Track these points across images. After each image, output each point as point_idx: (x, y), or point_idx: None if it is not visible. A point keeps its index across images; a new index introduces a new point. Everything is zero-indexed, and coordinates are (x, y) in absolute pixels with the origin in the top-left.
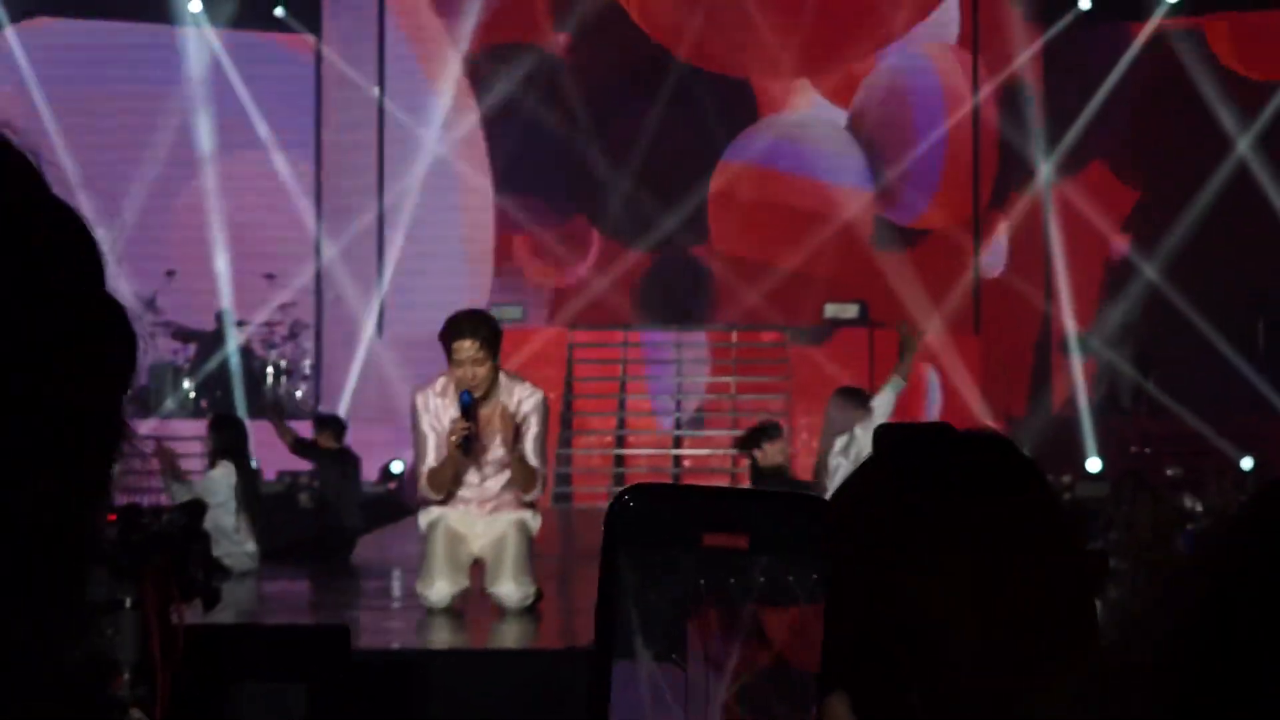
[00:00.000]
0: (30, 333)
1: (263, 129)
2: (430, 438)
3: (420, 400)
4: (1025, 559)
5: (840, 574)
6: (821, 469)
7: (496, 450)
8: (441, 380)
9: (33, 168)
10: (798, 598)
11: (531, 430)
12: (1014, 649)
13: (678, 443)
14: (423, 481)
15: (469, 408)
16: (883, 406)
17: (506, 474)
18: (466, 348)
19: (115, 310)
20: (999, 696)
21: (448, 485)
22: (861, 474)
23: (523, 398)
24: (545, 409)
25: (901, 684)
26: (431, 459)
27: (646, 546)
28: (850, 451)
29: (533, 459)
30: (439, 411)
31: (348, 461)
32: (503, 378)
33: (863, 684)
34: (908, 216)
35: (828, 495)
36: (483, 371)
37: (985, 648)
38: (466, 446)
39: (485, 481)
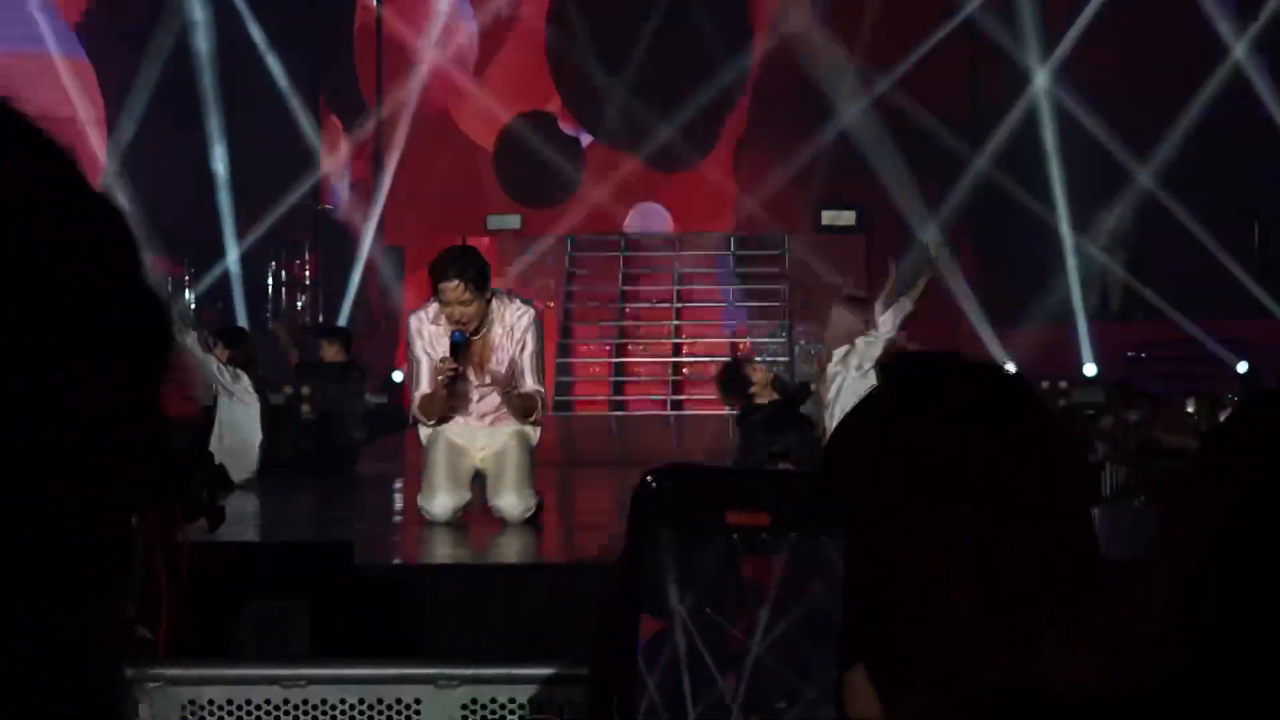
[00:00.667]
0: (60, 329)
1: (257, 33)
2: (424, 362)
3: (415, 324)
4: (1025, 505)
5: (849, 517)
6: (820, 378)
7: (495, 370)
8: (435, 306)
9: (69, 160)
10: (830, 556)
11: (527, 349)
12: (1015, 600)
13: (677, 350)
14: (415, 406)
15: (458, 348)
16: (886, 326)
17: None
18: (451, 289)
19: (150, 301)
20: (1003, 647)
21: (439, 414)
22: (866, 406)
23: (515, 320)
24: (539, 326)
25: (910, 647)
26: (425, 384)
27: (674, 525)
28: (850, 361)
29: (530, 379)
30: (433, 338)
31: (352, 374)
32: (494, 302)
33: (873, 648)
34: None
35: (826, 403)
36: (470, 310)
37: (988, 603)
38: (453, 386)
39: (484, 398)
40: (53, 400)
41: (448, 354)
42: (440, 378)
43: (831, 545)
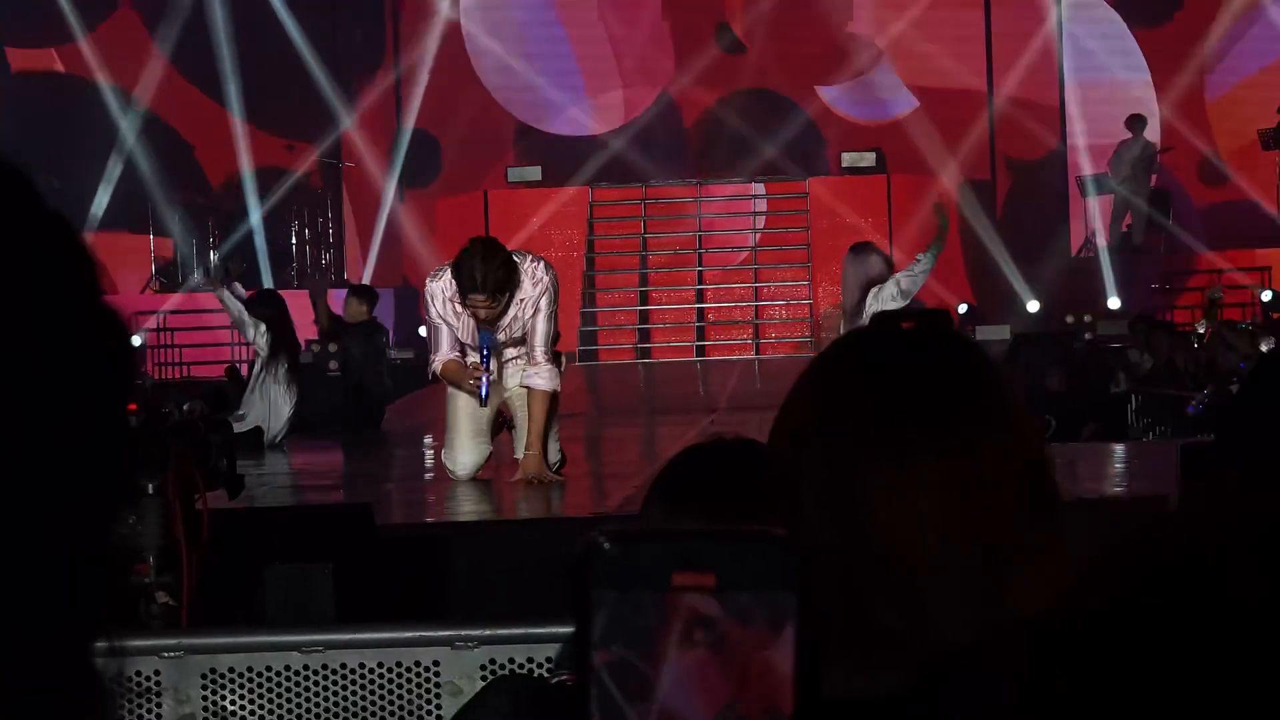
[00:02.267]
0: (33, 362)
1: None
2: (443, 329)
3: (433, 290)
4: (987, 465)
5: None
6: (856, 314)
7: (513, 331)
8: (450, 278)
9: (26, 183)
10: (754, 611)
11: (541, 314)
12: (983, 554)
13: (700, 297)
14: (437, 368)
15: (487, 355)
16: (921, 271)
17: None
18: (477, 301)
19: (111, 319)
20: (978, 603)
21: (458, 386)
22: (844, 354)
23: (530, 290)
24: (552, 291)
25: (886, 630)
26: (445, 348)
27: (618, 589)
28: (883, 294)
29: (538, 349)
30: (450, 311)
31: (375, 333)
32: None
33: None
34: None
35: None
36: (495, 311)
37: (960, 561)
38: (483, 398)
39: (505, 349)
40: (12, 429)
41: (477, 364)
42: (470, 383)
43: (759, 602)
